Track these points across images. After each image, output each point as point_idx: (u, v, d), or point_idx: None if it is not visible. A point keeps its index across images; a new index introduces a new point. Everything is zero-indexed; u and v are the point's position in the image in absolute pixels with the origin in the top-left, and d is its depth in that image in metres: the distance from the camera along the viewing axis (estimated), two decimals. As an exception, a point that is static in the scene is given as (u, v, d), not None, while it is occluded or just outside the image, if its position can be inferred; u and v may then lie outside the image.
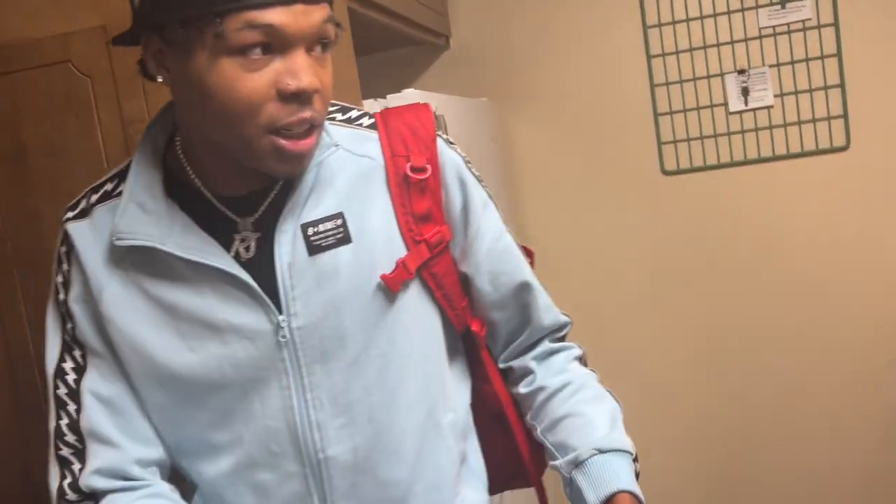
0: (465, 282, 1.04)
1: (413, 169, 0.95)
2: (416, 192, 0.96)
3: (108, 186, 0.95)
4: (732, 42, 2.31)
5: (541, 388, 1.07)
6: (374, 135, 0.97)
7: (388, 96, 1.60)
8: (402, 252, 0.95)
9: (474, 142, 2.05)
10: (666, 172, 2.42)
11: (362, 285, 0.92)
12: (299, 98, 0.81)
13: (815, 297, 2.37)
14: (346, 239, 0.91)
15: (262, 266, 0.91)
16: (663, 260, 2.46)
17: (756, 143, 2.34)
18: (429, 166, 0.96)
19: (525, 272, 1.07)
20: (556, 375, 1.07)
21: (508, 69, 2.48)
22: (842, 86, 2.26)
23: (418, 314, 0.98)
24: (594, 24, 2.40)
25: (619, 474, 0.99)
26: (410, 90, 1.60)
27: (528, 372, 1.09)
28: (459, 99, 1.95)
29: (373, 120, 0.98)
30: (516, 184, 2.53)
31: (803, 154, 2.31)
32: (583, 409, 1.04)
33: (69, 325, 0.94)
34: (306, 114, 0.82)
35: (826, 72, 2.26)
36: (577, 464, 0.99)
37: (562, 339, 1.11)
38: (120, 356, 0.92)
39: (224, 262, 0.89)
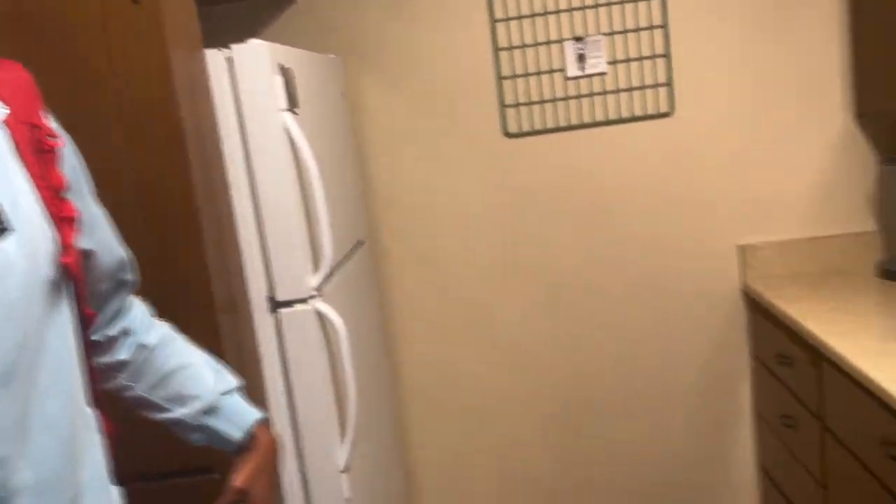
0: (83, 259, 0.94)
1: (49, 135, 0.82)
2: (51, 162, 0.83)
3: None
4: (571, 9, 2.41)
5: (142, 346, 1.07)
6: None
7: (233, 46, 1.56)
8: (54, 234, 0.80)
9: (323, 97, 2.04)
10: (508, 135, 2.51)
11: (35, 279, 0.76)
12: None
13: (646, 249, 2.55)
14: (6, 228, 0.72)
15: None
16: (506, 218, 2.57)
17: (591, 108, 2.47)
18: (58, 133, 0.85)
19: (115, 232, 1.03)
20: (149, 331, 1.09)
21: (356, 27, 2.47)
22: (667, 55, 2.43)
23: (69, 301, 0.86)
24: (441, -14, 2.43)
25: (247, 407, 1.11)
26: (255, 41, 1.56)
27: (125, 333, 1.06)
28: (307, 53, 1.93)
29: None
30: (364, 141, 2.54)
31: (633, 119, 2.47)
32: (188, 361, 1.10)
33: None
34: None
35: (654, 41, 2.42)
36: (208, 410, 1.07)
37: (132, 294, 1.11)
38: None
39: None
